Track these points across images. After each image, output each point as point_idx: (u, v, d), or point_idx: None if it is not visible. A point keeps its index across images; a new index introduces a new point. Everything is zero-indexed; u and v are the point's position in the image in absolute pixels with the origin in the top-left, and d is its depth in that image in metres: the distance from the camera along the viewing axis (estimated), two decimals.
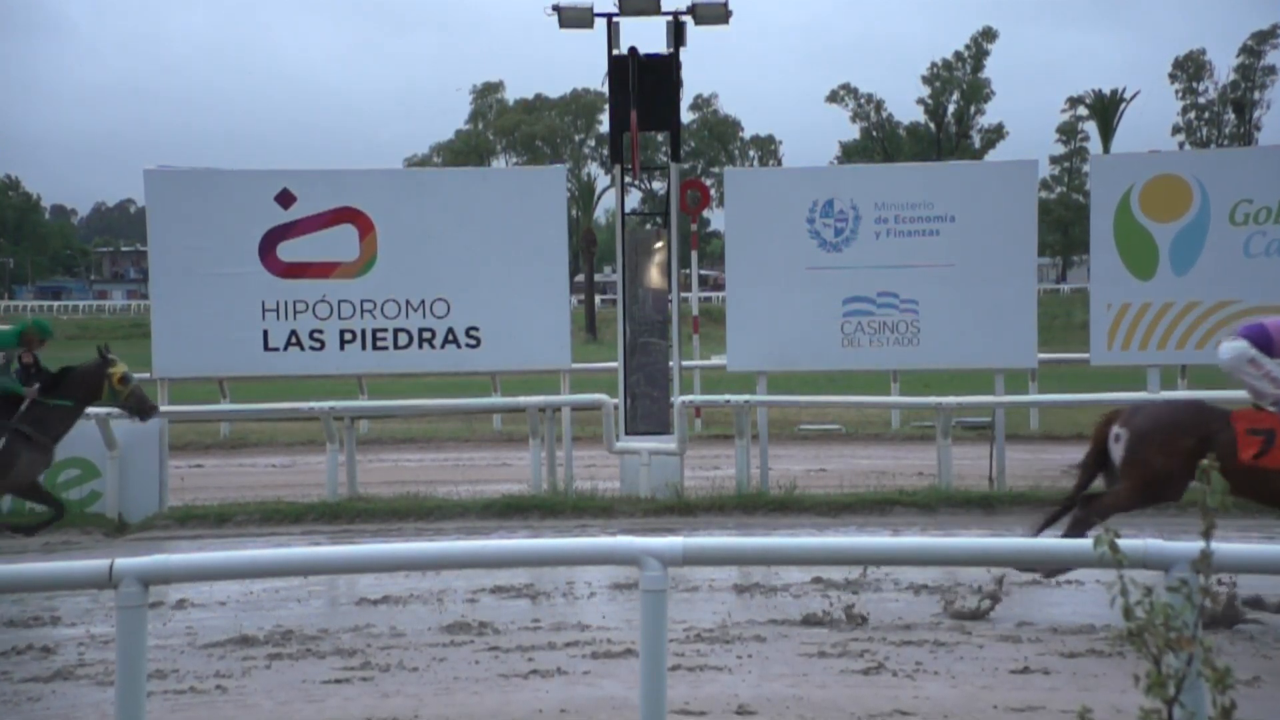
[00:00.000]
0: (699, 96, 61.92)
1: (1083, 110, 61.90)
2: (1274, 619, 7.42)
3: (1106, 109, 59.93)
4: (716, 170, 57.39)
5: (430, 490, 12.61)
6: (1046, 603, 8.04)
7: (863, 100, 62.95)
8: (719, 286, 51.02)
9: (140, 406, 10.22)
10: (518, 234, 12.61)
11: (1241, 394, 8.37)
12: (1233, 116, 60.50)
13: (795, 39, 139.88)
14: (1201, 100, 61.25)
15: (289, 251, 12.49)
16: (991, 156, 56.69)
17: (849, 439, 17.61)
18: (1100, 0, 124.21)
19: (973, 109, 62.54)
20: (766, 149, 66.28)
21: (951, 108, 62.78)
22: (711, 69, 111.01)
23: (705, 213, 42.75)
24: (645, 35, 13.13)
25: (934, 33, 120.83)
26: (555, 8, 13.08)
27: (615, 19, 13.00)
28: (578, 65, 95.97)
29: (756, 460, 12.55)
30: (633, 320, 13.31)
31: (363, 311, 12.43)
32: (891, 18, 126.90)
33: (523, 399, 13.57)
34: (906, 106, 64.29)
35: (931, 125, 62.92)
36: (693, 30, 13.11)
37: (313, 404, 12.81)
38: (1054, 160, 62.43)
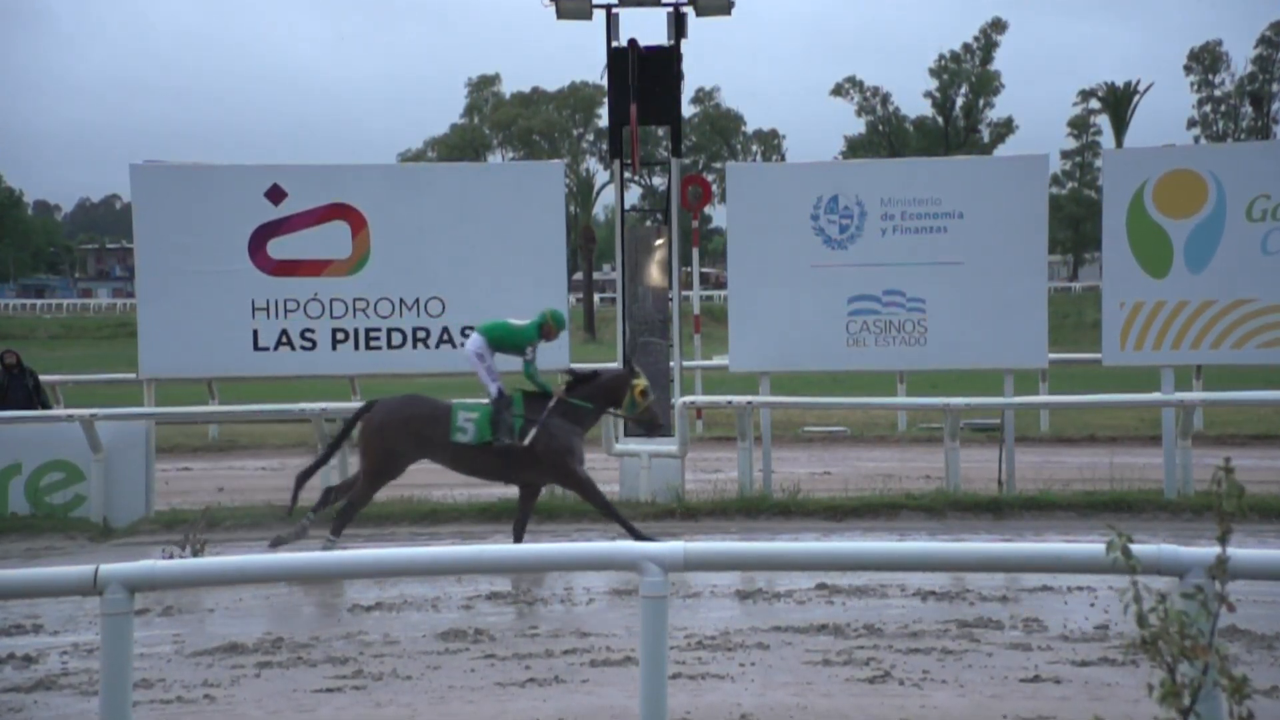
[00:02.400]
0: (700, 90, 61.57)
1: (1095, 103, 61.62)
2: None
3: (1119, 102, 59.62)
4: (718, 165, 57.18)
5: (425, 494, 12.43)
6: (1057, 609, 7.89)
7: (868, 93, 62.72)
8: (721, 285, 50.97)
9: (652, 422, 10.50)
10: (514, 231, 12.46)
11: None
12: (1250, 109, 59.91)
13: (799, 30, 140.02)
14: (1217, 93, 60.66)
15: (279, 249, 12.34)
16: (1001, 151, 56.35)
17: (854, 441, 17.54)
18: None
19: (981, 102, 62.15)
20: (770, 143, 66.17)
21: (960, 101, 62.45)
22: (713, 61, 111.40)
23: (707, 209, 42.75)
24: (645, 26, 13.06)
25: (942, 24, 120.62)
26: None
27: (614, 10, 12.91)
28: (576, 57, 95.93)
29: (759, 463, 12.43)
30: (632, 319, 13.19)
31: (355, 310, 12.29)
32: (898, 8, 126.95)
33: None
34: (913, 100, 64.19)
35: (939, 119, 62.60)
36: (694, 21, 13.07)
37: (304, 406, 12.55)
38: (1065, 155, 62.16)
